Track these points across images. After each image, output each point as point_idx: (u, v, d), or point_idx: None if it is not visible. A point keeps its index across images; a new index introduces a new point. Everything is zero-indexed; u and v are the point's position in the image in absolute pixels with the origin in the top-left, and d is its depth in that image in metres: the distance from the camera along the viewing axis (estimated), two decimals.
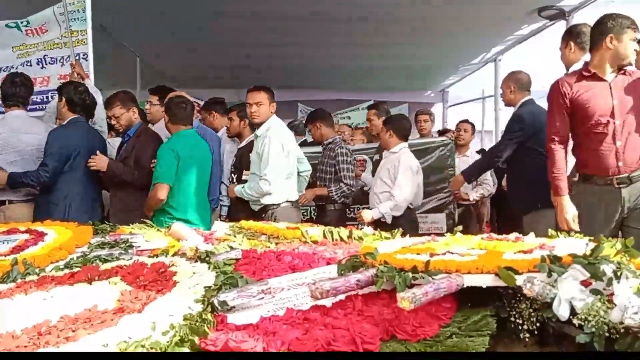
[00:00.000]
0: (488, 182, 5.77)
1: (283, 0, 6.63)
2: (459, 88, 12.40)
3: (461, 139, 6.13)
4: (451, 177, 5.58)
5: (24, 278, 2.00)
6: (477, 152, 7.34)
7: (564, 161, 3.49)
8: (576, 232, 3.39)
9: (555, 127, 3.47)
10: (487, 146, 11.81)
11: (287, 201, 4.22)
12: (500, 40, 8.46)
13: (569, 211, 3.39)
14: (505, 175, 5.20)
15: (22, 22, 5.11)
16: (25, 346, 1.42)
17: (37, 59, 5.06)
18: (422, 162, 5.61)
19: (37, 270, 2.07)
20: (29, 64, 5.05)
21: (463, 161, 5.88)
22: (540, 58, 8.77)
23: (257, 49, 8.72)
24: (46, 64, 5.07)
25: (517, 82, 4.54)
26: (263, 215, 4.15)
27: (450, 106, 13.35)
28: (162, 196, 3.94)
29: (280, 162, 4.17)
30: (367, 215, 4.55)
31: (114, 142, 4.78)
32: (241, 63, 9.66)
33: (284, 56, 9.23)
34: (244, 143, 4.85)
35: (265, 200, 4.17)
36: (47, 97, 5.05)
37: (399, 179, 4.52)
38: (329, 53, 9.09)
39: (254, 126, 4.54)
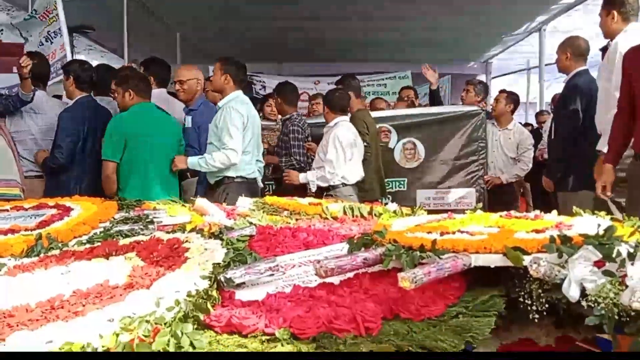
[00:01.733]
0: (525, 160, 5.48)
1: None
2: (503, 59, 12.08)
3: (494, 109, 5.86)
4: (482, 150, 5.43)
5: (47, 252, 2.07)
6: (524, 125, 7.08)
7: (621, 132, 3.33)
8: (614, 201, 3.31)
9: (621, 96, 3.32)
10: (531, 118, 11.53)
11: (240, 177, 4.08)
12: (545, 8, 8.18)
13: (605, 178, 3.28)
14: (547, 144, 5.01)
15: (35, 12, 5.35)
16: (37, 319, 1.47)
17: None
18: (451, 132, 5.50)
19: (60, 244, 2.13)
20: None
21: (505, 134, 5.56)
22: (588, 27, 8.46)
23: (295, 22, 8.69)
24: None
25: (574, 48, 4.32)
26: (216, 189, 4.05)
27: (494, 77, 13.06)
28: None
29: (240, 134, 4.05)
30: (294, 176, 4.57)
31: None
32: (279, 37, 9.65)
33: (324, 29, 9.18)
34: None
35: (221, 172, 4.06)
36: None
37: (328, 152, 4.44)
38: (367, 26, 8.98)
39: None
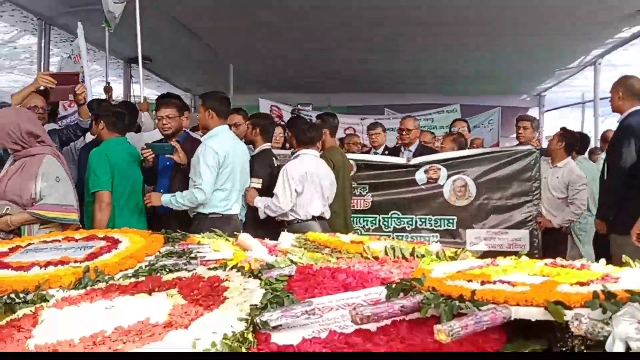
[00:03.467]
0: (578, 203, 5.18)
1: (371, 7, 6.64)
2: (556, 92, 11.86)
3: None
4: (536, 190, 5.25)
5: (94, 285, 2.13)
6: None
7: None
8: None
9: None
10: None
11: (213, 213, 4.14)
12: (600, 43, 8.03)
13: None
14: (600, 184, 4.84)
15: (72, 52, 5.66)
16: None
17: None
18: (503, 171, 5.35)
19: (106, 277, 2.19)
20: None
21: (553, 172, 5.33)
22: None
23: (345, 54, 8.80)
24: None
25: (627, 87, 4.22)
26: (194, 222, 4.12)
27: (547, 111, 12.81)
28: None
29: (213, 173, 4.09)
30: (250, 197, 4.41)
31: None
32: (330, 68, 9.77)
33: (372, 61, 9.25)
34: (255, 152, 4.82)
35: (196, 208, 4.14)
36: None
37: (276, 185, 4.35)
38: (416, 57, 9.00)
39: (266, 135, 4.74)
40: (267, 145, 4.85)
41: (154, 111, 4.90)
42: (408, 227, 5.34)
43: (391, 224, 5.35)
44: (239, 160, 4.33)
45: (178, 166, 4.32)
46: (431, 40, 7.98)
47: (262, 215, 4.36)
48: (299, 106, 9.68)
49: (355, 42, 8.17)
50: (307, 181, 4.39)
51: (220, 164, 4.13)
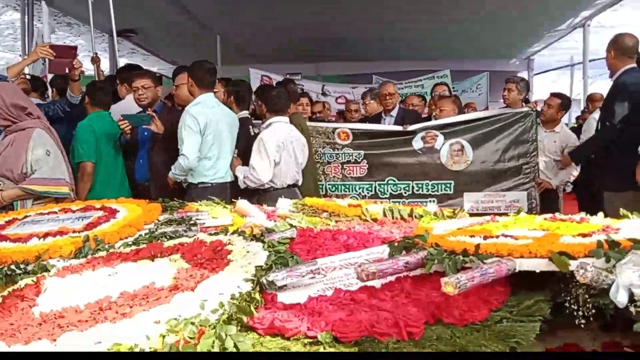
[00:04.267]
0: (573, 165, 5.27)
1: None
2: (545, 55, 11.83)
3: (544, 114, 5.69)
4: (533, 152, 5.25)
5: (95, 254, 2.12)
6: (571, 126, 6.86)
7: None
8: None
9: None
10: (573, 115, 11.27)
11: (202, 182, 4.15)
12: (589, 3, 7.97)
13: None
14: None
15: None
16: (86, 321, 1.52)
17: None
18: (500, 134, 5.34)
19: (106, 246, 2.19)
20: None
21: (549, 137, 5.38)
22: (633, 22, 8.22)
23: (333, 22, 8.70)
24: None
25: (618, 46, 4.21)
26: (188, 191, 4.14)
27: (537, 74, 12.81)
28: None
29: (194, 138, 4.08)
30: (233, 166, 4.35)
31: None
32: (318, 36, 9.67)
33: (360, 28, 9.15)
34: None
35: (188, 178, 4.16)
36: None
37: (252, 156, 4.27)
38: (403, 23, 8.91)
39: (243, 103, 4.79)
40: (244, 113, 4.82)
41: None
42: (405, 192, 5.32)
43: (387, 190, 5.33)
44: (224, 128, 4.28)
45: (156, 136, 4.32)
46: (419, 5, 7.90)
47: (241, 185, 4.30)
48: (288, 76, 9.60)
49: (343, 10, 8.08)
50: (283, 150, 4.34)
51: (202, 131, 4.12)
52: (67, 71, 4.55)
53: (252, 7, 7.96)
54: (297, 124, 4.78)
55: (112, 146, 4.40)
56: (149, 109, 4.33)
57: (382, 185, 5.34)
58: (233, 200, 3.04)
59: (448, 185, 5.29)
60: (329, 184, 5.37)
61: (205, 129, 4.13)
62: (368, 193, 5.30)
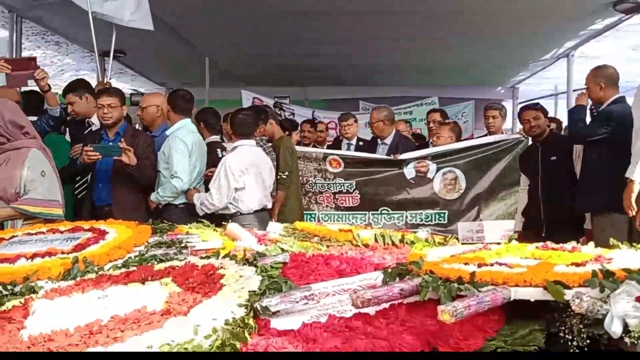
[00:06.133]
0: None
1: None
2: (530, 84, 12.00)
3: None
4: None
5: (84, 276, 2.09)
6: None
7: None
8: None
9: None
10: None
11: (184, 203, 4.25)
12: (573, 35, 8.11)
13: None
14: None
15: None
16: (76, 344, 1.49)
17: None
18: (494, 163, 5.26)
19: (96, 268, 2.16)
20: None
21: None
22: (616, 53, 8.39)
23: (321, 46, 8.77)
24: None
25: (608, 77, 4.25)
26: (162, 212, 4.20)
27: (521, 103, 12.95)
28: None
29: (187, 161, 4.23)
30: (190, 194, 4.29)
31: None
32: (306, 61, 9.73)
33: (348, 53, 9.23)
34: None
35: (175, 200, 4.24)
36: None
37: (214, 179, 4.25)
38: (391, 49, 9.01)
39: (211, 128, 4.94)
40: (214, 138, 4.97)
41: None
42: (398, 223, 5.29)
43: (381, 221, 5.31)
44: (202, 153, 4.45)
45: (127, 167, 4.14)
46: (406, 32, 7.99)
47: (199, 212, 4.23)
48: (276, 99, 9.64)
49: (332, 35, 8.15)
50: (247, 174, 4.31)
51: (190, 153, 4.25)
52: (27, 84, 4.46)
53: (241, 30, 8.00)
54: (286, 147, 4.81)
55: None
56: (121, 141, 4.12)
57: (375, 216, 5.32)
58: (223, 223, 3.03)
59: (442, 215, 5.27)
60: (321, 213, 5.37)
61: (192, 152, 4.26)
62: (362, 223, 5.26)
